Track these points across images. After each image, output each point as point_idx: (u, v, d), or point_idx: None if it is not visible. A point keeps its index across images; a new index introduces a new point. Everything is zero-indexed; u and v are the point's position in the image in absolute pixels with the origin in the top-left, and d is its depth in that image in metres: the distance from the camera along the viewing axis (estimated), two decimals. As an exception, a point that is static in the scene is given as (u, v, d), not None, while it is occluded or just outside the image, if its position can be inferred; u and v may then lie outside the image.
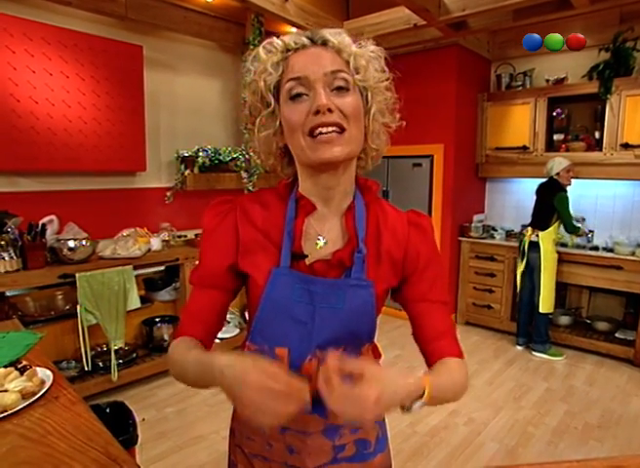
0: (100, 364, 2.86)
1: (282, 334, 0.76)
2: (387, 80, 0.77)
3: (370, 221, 0.80)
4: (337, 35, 0.72)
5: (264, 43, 0.74)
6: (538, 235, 3.54)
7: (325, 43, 0.72)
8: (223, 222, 0.81)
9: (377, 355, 0.89)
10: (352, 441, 0.84)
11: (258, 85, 0.74)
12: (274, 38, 0.74)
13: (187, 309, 0.84)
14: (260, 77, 0.73)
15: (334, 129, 0.69)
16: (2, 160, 2.66)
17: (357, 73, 0.72)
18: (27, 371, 1.11)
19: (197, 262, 0.85)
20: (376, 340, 0.88)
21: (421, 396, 0.67)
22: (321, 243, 0.78)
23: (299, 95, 0.70)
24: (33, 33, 2.66)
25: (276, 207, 0.80)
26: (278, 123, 0.75)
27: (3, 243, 2.41)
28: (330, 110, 0.68)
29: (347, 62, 0.72)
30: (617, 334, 3.67)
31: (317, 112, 0.68)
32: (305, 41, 0.72)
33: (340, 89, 0.71)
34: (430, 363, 0.81)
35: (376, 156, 0.82)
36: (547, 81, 3.97)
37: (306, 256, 0.77)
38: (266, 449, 0.84)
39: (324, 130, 0.69)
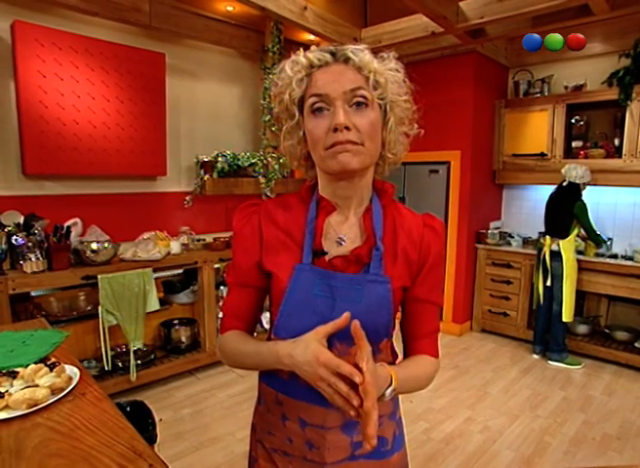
0: (120, 364, 2.92)
1: (304, 328, 0.79)
2: (406, 94, 0.81)
3: (387, 222, 0.85)
4: (358, 52, 0.76)
5: (290, 59, 0.79)
6: (558, 244, 3.51)
7: (347, 60, 0.76)
8: (248, 223, 0.87)
9: (394, 354, 0.92)
10: None
11: (283, 97, 0.80)
12: (300, 54, 0.79)
13: (227, 307, 0.90)
14: (286, 91, 0.79)
15: (350, 146, 0.74)
16: (31, 164, 2.76)
17: (376, 89, 0.76)
18: (56, 368, 1.16)
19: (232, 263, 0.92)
20: (394, 341, 0.91)
21: (390, 384, 0.72)
22: (341, 240, 0.83)
23: (320, 109, 0.75)
24: (62, 43, 2.76)
25: (298, 208, 0.86)
26: (302, 133, 0.81)
27: (30, 244, 2.49)
28: (347, 128, 0.73)
29: (367, 79, 0.75)
30: (636, 344, 3.61)
31: (336, 130, 0.73)
32: (328, 58, 0.76)
33: (359, 104, 0.75)
34: (409, 355, 0.90)
35: (393, 163, 0.86)
36: (566, 88, 3.94)
37: (326, 253, 0.81)
38: (287, 444, 0.87)
39: (340, 146, 0.74)
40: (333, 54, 0.77)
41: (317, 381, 0.66)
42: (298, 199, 0.88)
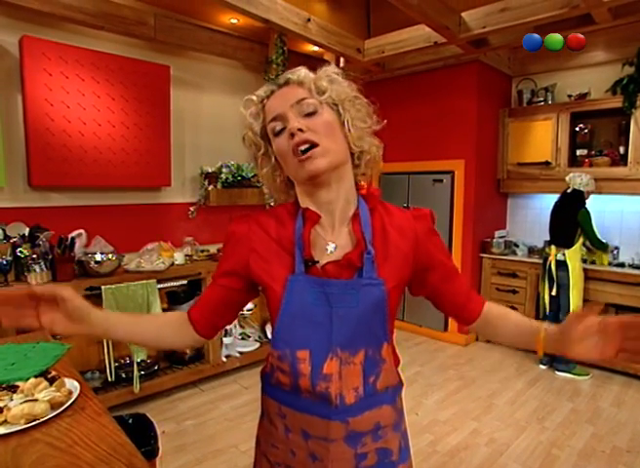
0: (123, 375, 2.91)
1: (303, 338, 0.81)
2: (352, 89, 0.85)
3: (375, 224, 0.86)
4: (295, 72, 0.84)
5: (243, 102, 0.88)
6: (564, 254, 3.49)
7: (287, 82, 0.84)
8: (239, 232, 0.89)
9: (396, 359, 0.91)
10: (374, 449, 0.86)
11: (248, 136, 0.88)
12: (251, 95, 0.88)
13: (199, 298, 0.93)
14: (248, 129, 0.87)
15: (308, 146, 0.78)
16: (37, 176, 2.79)
17: (323, 94, 0.82)
18: (56, 382, 1.15)
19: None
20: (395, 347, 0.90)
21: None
22: (331, 247, 0.84)
23: (281, 130, 0.82)
24: (68, 56, 2.80)
25: (287, 219, 0.88)
26: (274, 159, 0.87)
27: (35, 256, 2.51)
28: (301, 130, 0.78)
29: (310, 90, 0.82)
30: (646, 355, 3.56)
31: (292, 135, 0.78)
32: (273, 87, 0.85)
33: (309, 114, 0.80)
34: (471, 319, 0.93)
35: (371, 160, 0.88)
36: (570, 96, 3.94)
37: (318, 262, 0.82)
38: (290, 458, 0.86)
39: (302, 148, 0.78)
40: (276, 83, 0.86)
41: None
42: (285, 211, 0.90)
